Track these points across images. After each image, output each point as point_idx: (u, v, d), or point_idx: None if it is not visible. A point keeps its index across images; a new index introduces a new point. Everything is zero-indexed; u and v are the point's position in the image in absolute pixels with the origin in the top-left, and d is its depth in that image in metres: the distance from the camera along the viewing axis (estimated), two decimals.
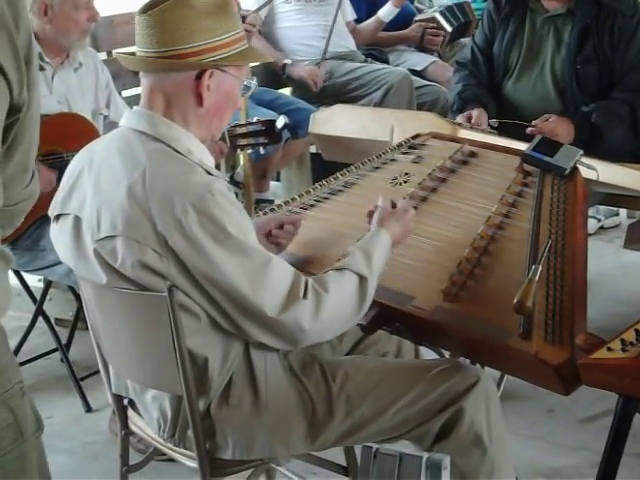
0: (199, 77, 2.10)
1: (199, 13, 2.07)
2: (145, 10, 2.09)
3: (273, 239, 2.44)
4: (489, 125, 3.61)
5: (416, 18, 5.74)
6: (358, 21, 5.52)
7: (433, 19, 5.66)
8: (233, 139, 3.46)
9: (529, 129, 3.54)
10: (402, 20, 5.67)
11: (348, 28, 5.39)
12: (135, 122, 2.15)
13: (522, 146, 2.78)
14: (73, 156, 2.28)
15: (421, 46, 5.68)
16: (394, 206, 2.36)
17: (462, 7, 5.68)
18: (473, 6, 5.77)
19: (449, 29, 5.62)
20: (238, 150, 3.58)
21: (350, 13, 5.45)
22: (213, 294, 2.04)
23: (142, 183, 2.02)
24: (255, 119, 3.54)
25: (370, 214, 2.36)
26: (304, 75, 5.03)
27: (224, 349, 2.13)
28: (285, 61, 5.07)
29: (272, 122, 3.49)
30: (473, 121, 3.59)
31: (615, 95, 3.65)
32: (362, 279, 2.16)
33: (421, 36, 5.65)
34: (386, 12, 5.45)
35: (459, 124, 3.41)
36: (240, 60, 2.16)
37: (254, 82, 2.67)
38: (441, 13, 5.64)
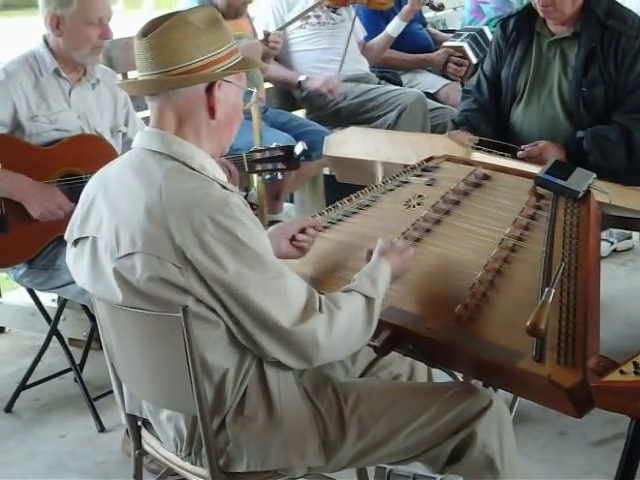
0: (209, 90, 2.13)
1: (198, 29, 2.10)
2: (144, 34, 2.11)
3: (297, 243, 2.48)
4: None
5: (445, 44, 5.75)
6: (369, 38, 5.55)
7: (461, 48, 5.66)
8: (251, 164, 3.47)
9: (519, 153, 3.55)
10: (416, 46, 5.71)
11: (359, 48, 5.41)
12: (148, 142, 2.16)
13: (535, 169, 2.79)
14: None
15: (443, 72, 5.69)
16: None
17: (486, 38, 5.67)
18: (487, 29, 5.78)
19: (474, 61, 5.62)
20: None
21: (360, 33, 5.48)
22: (231, 307, 2.05)
23: (159, 199, 2.04)
24: (274, 144, 3.55)
25: (370, 253, 2.38)
26: (319, 85, 5.04)
27: (238, 361, 2.14)
28: (300, 78, 5.09)
29: (291, 148, 3.50)
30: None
31: (614, 118, 3.66)
32: (369, 300, 2.19)
33: (445, 62, 5.66)
34: (394, 27, 5.47)
35: (472, 147, 3.42)
36: (245, 67, 2.21)
37: (254, 89, 2.71)
38: (469, 44, 5.64)
